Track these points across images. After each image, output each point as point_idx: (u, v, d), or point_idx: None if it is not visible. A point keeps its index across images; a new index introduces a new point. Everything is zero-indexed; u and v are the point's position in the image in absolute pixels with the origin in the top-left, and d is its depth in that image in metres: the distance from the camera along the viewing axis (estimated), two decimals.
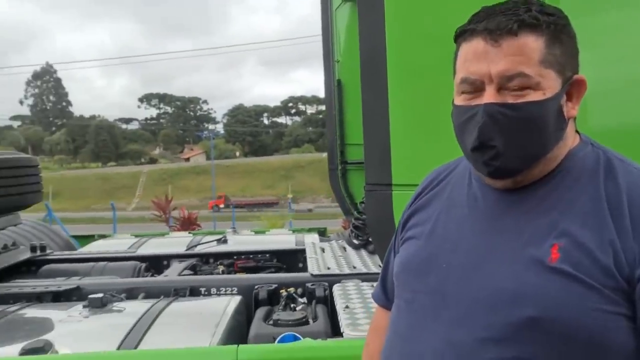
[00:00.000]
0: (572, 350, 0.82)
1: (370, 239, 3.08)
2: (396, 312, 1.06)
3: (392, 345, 1.03)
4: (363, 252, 3.16)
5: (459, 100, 0.94)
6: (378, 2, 1.75)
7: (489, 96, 0.88)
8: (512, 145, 0.88)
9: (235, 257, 3.47)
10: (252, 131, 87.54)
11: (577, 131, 0.98)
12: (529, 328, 0.83)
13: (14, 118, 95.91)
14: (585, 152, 0.94)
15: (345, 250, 3.29)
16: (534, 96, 0.87)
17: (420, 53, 1.71)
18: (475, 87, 0.90)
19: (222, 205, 37.42)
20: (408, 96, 1.75)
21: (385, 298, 1.21)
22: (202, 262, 3.48)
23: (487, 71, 0.88)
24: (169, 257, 3.53)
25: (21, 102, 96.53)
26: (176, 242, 4.19)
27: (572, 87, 0.92)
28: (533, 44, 0.87)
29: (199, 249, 3.77)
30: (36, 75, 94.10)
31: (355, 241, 3.21)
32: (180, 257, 3.54)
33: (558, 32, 0.89)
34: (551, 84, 0.88)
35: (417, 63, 1.72)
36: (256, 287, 2.57)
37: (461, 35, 0.93)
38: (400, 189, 1.74)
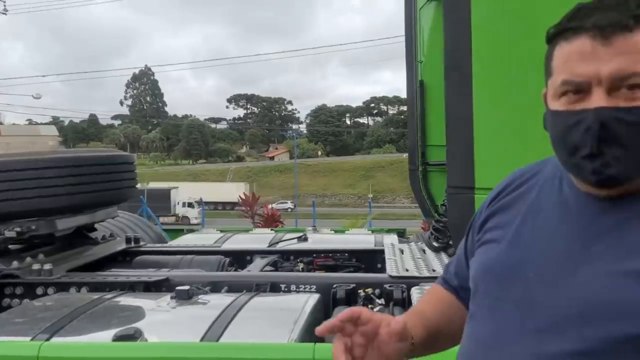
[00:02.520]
0: None
1: (450, 242, 3.00)
2: (474, 319, 1.01)
3: (472, 355, 0.99)
4: (443, 255, 3.08)
5: (558, 105, 0.87)
6: (464, 2, 1.70)
7: (599, 100, 0.81)
8: (626, 153, 0.81)
9: (314, 255, 3.51)
10: (334, 131, 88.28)
11: None
12: (625, 345, 0.78)
13: (115, 117, 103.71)
14: None
15: (425, 253, 3.22)
16: None
17: (506, 55, 1.65)
18: (582, 89, 0.83)
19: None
20: (493, 98, 1.69)
21: (452, 281, 1.17)
22: (283, 258, 3.56)
23: (597, 72, 0.80)
24: (252, 253, 3.64)
25: (121, 103, 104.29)
26: (259, 238, 4.31)
27: None
28: None
29: (280, 246, 3.86)
30: (135, 77, 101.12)
31: (435, 244, 3.13)
32: (262, 253, 3.64)
33: None
34: None
35: (502, 65, 1.66)
36: (334, 286, 2.58)
37: (560, 34, 0.86)
38: (483, 192, 1.68)
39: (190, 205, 33.40)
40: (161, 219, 28.21)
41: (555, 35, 0.87)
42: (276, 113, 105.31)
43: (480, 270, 1.02)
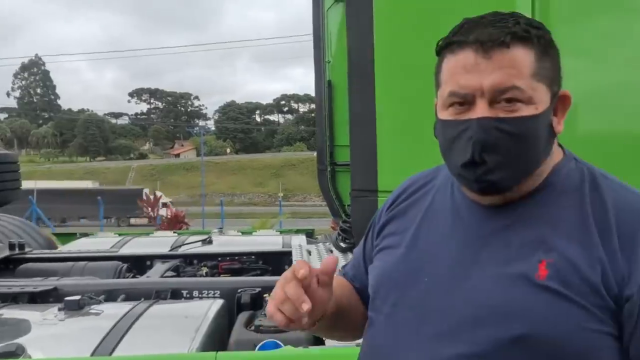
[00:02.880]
0: None
1: (356, 243, 3.04)
2: (373, 326, 1.02)
3: None
4: (350, 256, 3.11)
5: (446, 115, 0.90)
6: (367, 5, 1.70)
7: (482, 110, 0.84)
8: (505, 161, 0.85)
9: (219, 259, 3.42)
10: (243, 128, 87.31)
11: (560, 145, 0.96)
12: (515, 345, 0.81)
13: (1, 110, 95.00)
14: (570, 167, 0.93)
15: (332, 253, 3.24)
16: (526, 111, 0.84)
17: (409, 58, 1.68)
18: (466, 100, 0.86)
19: None
20: (395, 101, 1.72)
21: (351, 277, 1.17)
22: (186, 263, 3.43)
23: (479, 85, 0.84)
24: (152, 258, 3.47)
25: (8, 94, 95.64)
26: (160, 241, 4.13)
27: (559, 102, 0.90)
28: (525, 57, 0.84)
29: (182, 250, 3.72)
30: (24, 67, 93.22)
31: (342, 244, 3.16)
32: (163, 257, 3.49)
33: (547, 46, 0.87)
34: (542, 98, 0.86)
35: (405, 68, 1.69)
36: (239, 290, 2.52)
37: (447, 47, 0.89)
38: (386, 195, 1.70)
39: (164, 205, 31.44)
40: (133, 220, 26.26)
41: (443, 49, 0.90)
42: (182, 109, 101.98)
43: (378, 276, 1.03)
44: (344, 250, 3.18)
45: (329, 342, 1.84)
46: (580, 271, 0.81)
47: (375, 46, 1.70)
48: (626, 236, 0.82)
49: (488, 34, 0.84)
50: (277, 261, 3.49)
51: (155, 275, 3.02)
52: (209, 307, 2.31)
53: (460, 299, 0.87)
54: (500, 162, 0.85)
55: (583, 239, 0.83)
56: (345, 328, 1.13)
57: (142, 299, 2.44)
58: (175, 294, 2.61)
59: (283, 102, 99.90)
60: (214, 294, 2.61)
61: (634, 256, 0.80)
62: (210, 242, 3.89)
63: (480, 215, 0.93)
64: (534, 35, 0.85)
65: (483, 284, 0.86)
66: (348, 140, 3.98)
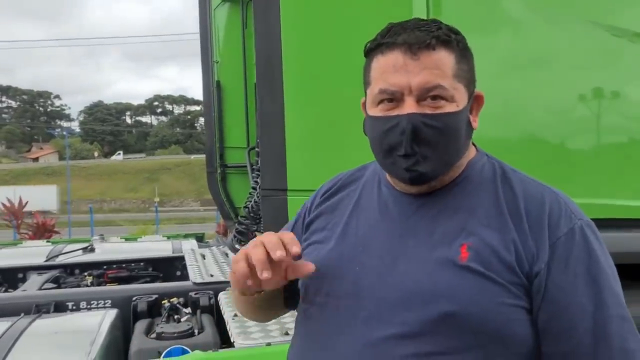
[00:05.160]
0: (482, 341, 0.89)
1: None
2: (307, 317, 1.05)
3: (307, 350, 1.02)
4: None
5: (376, 111, 0.97)
6: (274, 6, 1.72)
7: (411, 106, 0.92)
8: (433, 153, 0.93)
9: (105, 267, 3.21)
10: (112, 130, 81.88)
11: (473, 143, 1.07)
12: (443, 323, 0.88)
13: None
14: (483, 162, 1.04)
15: (228, 256, 3.20)
16: (449, 107, 0.93)
17: (317, 58, 1.73)
18: (395, 98, 0.93)
19: None
20: (304, 101, 1.75)
21: None
22: (67, 273, 3.17)
23: (407, 83, 0.91)
24: (25, 269, 3.16)
25: None
26: (33, 252, 3.77)
27: (474, 101, 1.01)
28: (447, 58, 0.93)
29: (61, 259, 3.42)
30: None
31: (238, 246, 3.14)
32: (38, 268, 3.19)
33: (464, 49, 0.97)
34: (462, 96, 0.95)
35: (313, 68, 1.73)
36: (134, 298, 2.39)
37: (376, 48, 0.96)
38: (296, 194, 1.73)
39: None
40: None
41: (372, 50, 0.97)
42: (40, 108, 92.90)
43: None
44: None
45: (238, 344, 1.83)
46: (497, 252, 0.91)
47: (283, 48, 1.73)
48: (534, 221, 0.93)
49: (415, 36, 0.91)
50: (168, 267, 3.36)
51: (32, 287, 2.76)
52: (103, 318, 2.16)
53: (391, 285, 0.94)
54: (428, 153, 0.93)
55: (498, 225, 0.93)
56: (265, 312, 1.20)
57: (22, 314, 2.22)
58: (60, 307, 2.40)
59: (156, 103, 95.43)
60: (105, 303, 2.44)
61: (540, 238, 0.92)
62: (92, 250, 3.64)
63: (406, 207, 1.01)
64: (454, 39, 0.94)
65: (411, 269, 0.93)
66: (238, 141, 3.98)
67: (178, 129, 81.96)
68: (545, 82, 1.90)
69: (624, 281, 0.96)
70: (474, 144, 1.07)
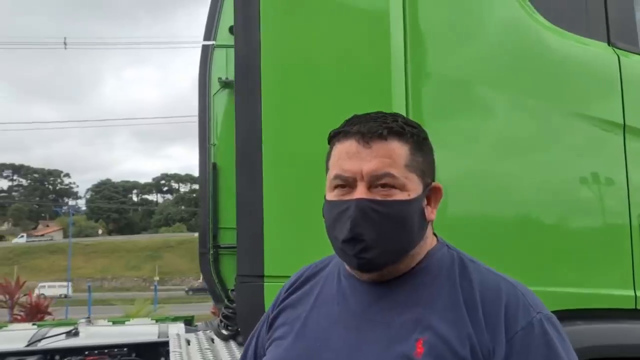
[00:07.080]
0: None
1: (240, 330, 2.93)
2: None
3: None
4: (232, 344, 2.97)
5: (332, 196, 0.99)
6: (256, 92, 1.78)
7: (360, 192, 0.94)
8: (381, 240, 0.93)
9: (87, 353, 3.09)
10: (118, 208, 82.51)
11: (434, 234, 1.07)
12: None
13: None
14: (442, 252, 1.03)
15: (214, 342, 3.08)
16: (400, 196, 0.95)
17: (296, 145, 1.75)
18: (348, 183, 0.96)
19: None
20: (282, 187, 1.76)
21: None
22: (46, 359, 3.04)
23: (359, 169, 0.94)
24: (4, 355, 3.04)
25: None
26: (16, 335, 3.63)
27: (431, 193, 1.02)
28: (399, 149, 0.96)
29: (42, 344, 3.30)
30: None
31: (224, 332, 3.01)
32: (17, 354, 3.06)
33: (420, 142, 1.00)
34: (414, 186, 0.97)
35: (292, 155, 1.76)
36: None
37: (335, 136, 1.00)
38: (272, 280, 1.69)
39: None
40: None
41: (333, 137, 1.02)
42: (50, 186, 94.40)
43: None
44: (226, 338, 3.03)
45: None
46: (452, 347, 0.89)
47: (262, 133, 1.76)
48: (489, 312, 0.92)
49: (368, 127, 0.96)
50: (152, 353, 3.23)
51: None
52: None
53: None
54: (375, 240, 0.93)
55: (454, 317, 0.92)
56: None
57: None
58: None
59: (163, 182, 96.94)
60: None
61: (497, 332, 0.90)
62: (76, 333, 3.50)
63: (365, 296, 1.00)
64: (408, 131, 0.97)
65: None
66: (232, 222, 3.96)
67: (183, 207, 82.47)
68: (529, 169, 1.91)
69: None
70: (435, 234, 1.07)
